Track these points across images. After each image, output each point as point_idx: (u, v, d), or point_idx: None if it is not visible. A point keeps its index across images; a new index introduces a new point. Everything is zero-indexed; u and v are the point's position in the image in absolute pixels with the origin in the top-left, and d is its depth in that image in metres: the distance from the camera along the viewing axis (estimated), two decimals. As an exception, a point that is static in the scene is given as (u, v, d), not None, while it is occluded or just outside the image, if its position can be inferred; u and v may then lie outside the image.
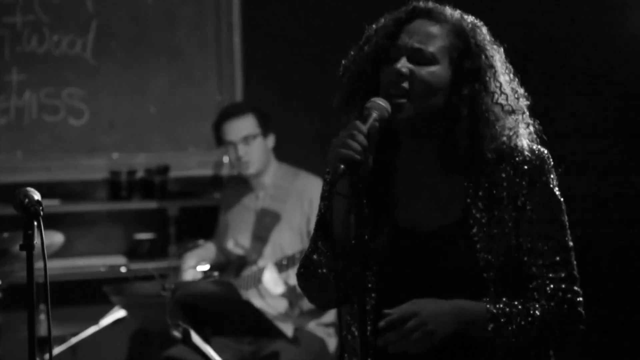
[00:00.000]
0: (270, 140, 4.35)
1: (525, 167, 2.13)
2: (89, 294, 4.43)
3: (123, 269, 4.73)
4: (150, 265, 4.48)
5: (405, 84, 2.08)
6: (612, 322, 4.26)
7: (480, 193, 2.13)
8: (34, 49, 5.05)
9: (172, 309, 3.46)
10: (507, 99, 2.12)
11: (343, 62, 2.21)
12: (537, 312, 2.07)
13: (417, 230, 2.15)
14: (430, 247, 2.12)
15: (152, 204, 5.10)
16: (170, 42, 5.20)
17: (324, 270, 2.14)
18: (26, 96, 5.05)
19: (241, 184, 4.47)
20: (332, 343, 4.19)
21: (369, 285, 2.13)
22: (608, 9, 4.83)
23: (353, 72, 2.17)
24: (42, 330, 3.88)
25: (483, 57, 2.11)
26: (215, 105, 5.16)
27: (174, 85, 5.21)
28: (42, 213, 2.05)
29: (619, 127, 4.80)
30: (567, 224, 2.15)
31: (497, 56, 2.14)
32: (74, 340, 4.06)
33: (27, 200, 2.05)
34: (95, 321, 4.08)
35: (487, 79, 2.10)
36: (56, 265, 4.74)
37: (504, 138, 2.11)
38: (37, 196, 2.07)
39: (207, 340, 3.47)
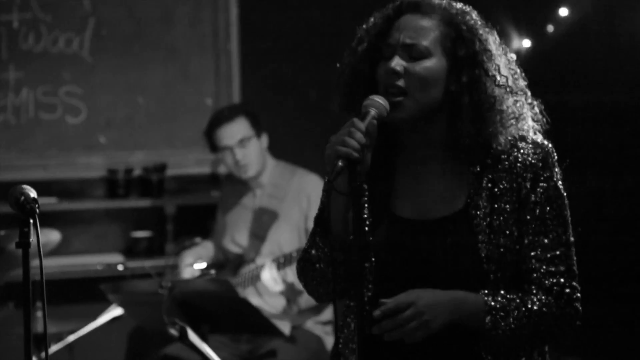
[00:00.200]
0: (264, 140, 4.34)
1: (529, 160, 2.13)
2: (86, 292, 4.43)
3: (120, 267, 4.73)
4: (147, 263, 4.48)
5: (401, 82, 2.08)
6: (607, 318, 4.26)
7: (483, 184, 2.12)
8: (31, 46, 5.05)
9: (169, 307, 3.46)
10: (507, 81, 2.12)
11: (338, 65, 2.21)
12: (535, 306, 2.07)
13: (419, 220, 2.15)
14: (431, 237, 2.12)
15: (149, 202, 5.10)
16: (167, 40, 5.20)
17: (322, 265, 2.14)
18: (23, 94, 5.05)
19: (239, 183, 4.46)
20: (329, 341, 4.19)
21: (367, 278, 2.13)
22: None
23: (349, 74, 2.17)
24: (38, 328, 3.88)
25: (477, 41, 2.10)
26: (212, 103, 5.16)
27: (171, 83, 5.20)
28: (38, 211, 2.04)
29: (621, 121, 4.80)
30: (569, 219, 2.15)
31: (491, 39, 2.14)
32: (71, 338, 4.05)
33: (23, 197, 2.05)
34: (93, 319, 4.07)
35: (485, 62, 2.10)
36: (53, 264, 4.74)
37: (511, 121, 2.11)
38: (33, 194, 2.07)
39: (204, 338, 3.47)
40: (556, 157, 2.17)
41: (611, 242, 4.56)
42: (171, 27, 5.20)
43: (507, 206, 2.11)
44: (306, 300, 4.06)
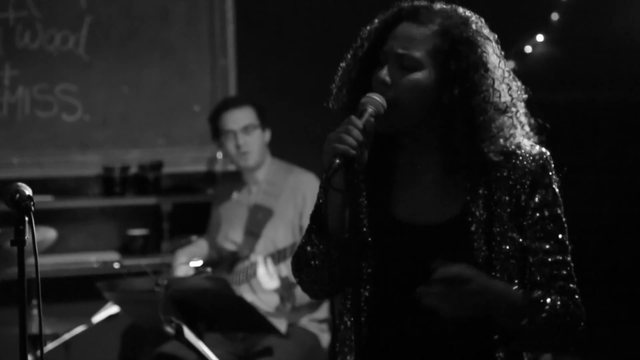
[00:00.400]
0: (267, 135, 4.36)
1: (528, 168, 2.12)
2: (82, 290, 4.42)
3: (116, 265, 4.73)
4: (143, 261, 4.48)
5: (390, 92, 2.07)
6: (605, 318, 4.27)
7: (480, 192, 2.12)
8: (26, 44, 5.04)
9: (165, 305, 3.46)
10: (500, 97, 2.09)
11: (341, 64, 2.20)
12: (557, 306, 2.07)
13: (416, 224, 2.15)
14: (427, 242, 2.13)
15: (145, 200, 5.10)
16: (164, 38, 5.19)
17: (317, 262, 2.14)
18: (19, 92, 5.04)
19: (234, 180, 4.46)
20: (325, 338, 4.19)
21: (364, 277, 2.13)
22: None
23: (349, 76, 2.17)
24: (34, 327, 3.87)
25: (472, 54, 2.07)
26: (208, 101, 5.16)
27: (167, 80, 5.20)
28: (33, 208, 2.04)
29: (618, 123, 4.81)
30: (566, 224, 2.15)
31: (490, 50, 2.11)
32: (66, 336, 4.05)
33: (18, 195, 2.05)
34: (88, 317, 4.07)
35: (477, 77, 2.07)
36: (49, 261, 4.74)
37: (501, 140, 2.10)
38: (28, 192, 2.07)
39: (200, 336, 3.47)
40: (553, 165, 2.16)
41: (609, 240, 4.57)
42: (167, 25, 5.20)
43: (505, 213, 2.11)
44: (301, 296, 4.06)
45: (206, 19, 5.23)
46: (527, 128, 2.16)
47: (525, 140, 2.15)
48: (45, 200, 4.91)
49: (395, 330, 2.13)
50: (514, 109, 2.13)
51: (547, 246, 2.11)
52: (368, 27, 2.18)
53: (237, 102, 4.37)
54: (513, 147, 2.12)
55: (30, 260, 2.05)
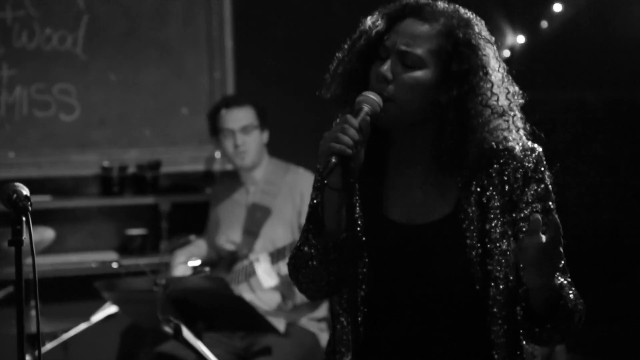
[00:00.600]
0: (265, 136, 4.35)
1: (520, 163, 2.12)
2: (81, 290, 4.42)
3: (115, 265, 4.73)
4: (141, 261, 4.48)
5: (389, 88, 2.07)
6: (604, 315, 4.27)
7: (472, 189, 2.12)
8: (24, 44, 5.04)
9: (164, 305, 3.46)
10: (497, 100, 2.09)
11: (337, 55, 2.20)
12: (575, 294, 2.07)
13: (409, 224, 2.14)
14: (421, 241, 2.13)
15: (143, 200, 5.10)
16: (161, 37, 5.19)
17: (314, 263, 2.14)
18: (17, 92, 5.04)
19: (232, 180, 4.46)
20: (324, 338, 4.19)
21: (360, 277, 2.13)
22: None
23: (346, 67, 2.16)
24: (32, 327, 3.87)
25: (473, 57, 2.07)
26: (206, 100, 5.15)
27: (165, 80, 5.20)
28: (30, 208, 2.04)
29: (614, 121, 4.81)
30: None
31: (491, 54, 2.11)
32: (65, 336, 4.05)
33: (15, 195, 2.04)
34: (87, 317, 4.07)
35: (477, 80, 2.07)
36: (47, 261, 4.74)
37: (493, 143, 2.09)
38: (25, 191, 2.06)
39: (198, 335, 3.47)
40: (544, 160, 2.16)
41: (605, 238, 4.57)
42: (165, 25, 5.20)
43: (498, 210, 2.11)
44: (302, 295, 4.05)
45: (204, 18, 5.23)
46: (521, 132, 2.16)
47: (517, 142, 2.14)
48: (43, 200, 4.91)
49: (392, 329, 2.13)
50: (510, 113, 2.12)
51: None
52: (368, 19, 2.17)
53: (239, 101, 4.37)
54: (505, 144, 2.12)
55: (28, 260, 2.05)
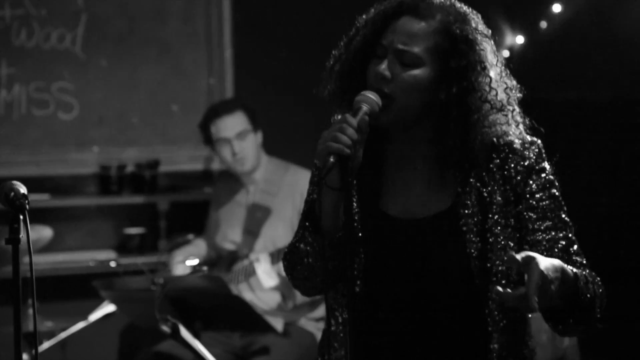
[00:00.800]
0: (259, 136, 4.34)
1: (519, 157, 2.13)
2: (79, 289, 4.42)
3: (113, 264, 4.73)
4: (140, 260, 4.48)
5: (388, 87, 2.06)
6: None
7: (472, 184, 2.12)
8: (23, 42, 5.03)
9: (162, 304, 3.46)
10: (496, 95, 2.09)
11: (333, 52, 2.19)
12: (598, 283, 2.06)
13: (407, 219, 2.14)
14: (419, 235, 2.13)
15: (142, 199, 5.10)
16: (160, 36, 5.19)
17: (310, 260, 2.13)
18: (15, 90, 5.03)
19: (232, 179, 4.46)
20: (322, 337, 4.19)
21: (356, 272, 2.12)
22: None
23: (342, 65, 2.16)
24: (30, 325, 3.87)
25: (471, 52, 2.07)
26: (205, 99, 5.15)
27: (163, 79, 5.19)
28: (28, 207, 2.03)
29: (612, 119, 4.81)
30: (565, 206, 2.15)
31: (489, 48, 2.11)
32: (63, 335, 4.05)
33: (12, 194, 2.04)
34: (85, 316, 4.07)
35: (475, 76, 2.07)
36: (45, 260, 4.74)
37: (494, 138, 2.09)
38: (23, 190, 2.06)
39: (196, 335, 3.47)
40: (544, 153, 2.16)
41: (606, 239, 4.57)
42: (164, 24, 5.19)
43: (499, 205, 2.11)
44: (301, 295, 4.05)
45: (203, 17, 5.22)
46: (521, 127, 2.16)
47: (517, 136, 2.14)
48: (41, 199, 4.91)
49: (389, 324, 2.13)
50: (509, 107, 2.13)
51: (550, 223, 2.11)
52: (364, 17, 2.16)
53: (229, 108, 4.32)
54: (504, 139, 2.12)
55: (26, 259, 2.05)
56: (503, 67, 2.14)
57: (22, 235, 2.02)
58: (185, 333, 3.26)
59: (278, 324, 3.98)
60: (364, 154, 2.07)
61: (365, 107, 2.03)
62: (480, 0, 2.34)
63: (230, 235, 4.32)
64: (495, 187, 2.12)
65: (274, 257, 4.07)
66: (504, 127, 2.11)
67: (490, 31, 2.15)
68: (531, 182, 2.12)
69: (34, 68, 5.05)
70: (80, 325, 4.05)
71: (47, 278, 4.52)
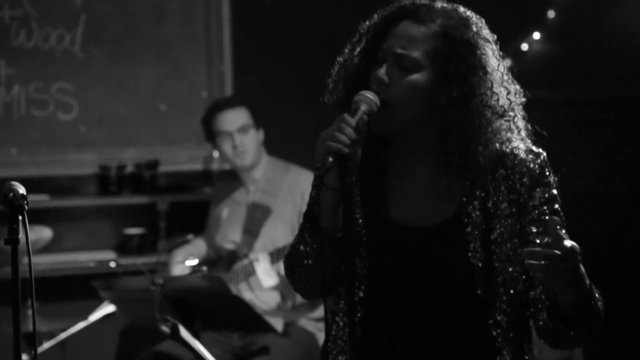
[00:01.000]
0: (261, 134, 4.35)
1: (525, 168, 2.12)
2: (78, 289, 4.42)
3: (112, 264, 4.73)
4: (139, 260, 4.47)
5: (387, 92, 2.06)
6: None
7: (477, 193, 2.11)
8: (22, 43, 5.03)
9: (161, 304, 3.46)
10: (497, 100, 2.08)
11: (338, 59, 2.19)
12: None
13: (410, 226, 2.14)
14: (421, 243, 2.12)
15: (141, 199, 5.09)
16: (160, 37, 5.18)
17: (310, 262, 2.13)
18: (14, 91, 5.03)
19: (232, 179, 4.46)
20: (322, 338, 4.16)
21: (359, 277, 2.12)
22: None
23: (347, 71, 2.16)
24: (29, 326, 3.87)
25: (472, 57, 2.06)
26: (204, 99, 5.15)
27: (163, 79, 5.19)
28: (26, 207, 2.03)
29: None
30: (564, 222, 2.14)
31: (490, 52, 2.09)
32: (63, 335, 4.05)
33: (11, 194, 2.04)
34: (85, 316, 4.07)
35: (476, 80, 2.06)
36: (45, 261, 4.74)
37: (497, 144, 2.08)
38: (22, 190, 2.06)
39: (196, 335, 3.47)
40: (549, 164, 2.15)
41: (606, 236, 4.56)
42: (163, 23, 5.19)
43: (503, 215, 2.10)
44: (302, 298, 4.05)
45: (202, 18, 5.22)
46: (523, 133, 2.15)
47: (521, 144, 2.13)
48: (41, 199, 4.90)
49: (390, 331, 2.12)
50: (511, 113, 2.11)
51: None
52: (367, 22, 2.16)
53: (231, 103, 4.36)
54: (509, 149, 2.11)
55: (26, 260, 2.05)
56: (506, 72, 2.12)
57: (21, 235, 2.02)
58: (185, 333, 3.26)
59: (278, 324, 3.98)
60: (368, 158, 2.07)
61: (363, 107, 2.02)
62: (486, 5, 2.33)
63: (230, 235, 4.31)
64: (500, 198, 2.11)
65: (274, 256, 4.07)
66: (508, 134, 2.10)
67: (494, 36, 2.13)
68: (535, 195, 2.11)
69: (33, 68, 5.04)
70: (80, 325, 4.04)
71: (47, 278, 4.53)
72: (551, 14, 4.92)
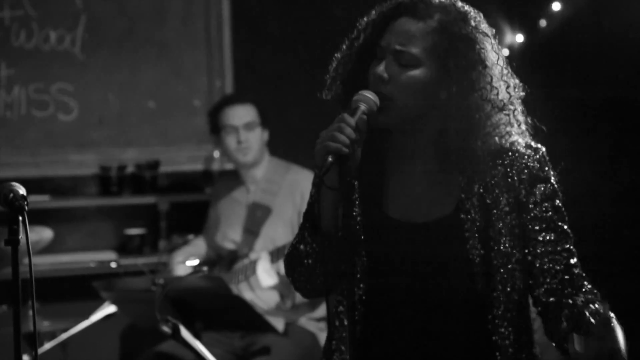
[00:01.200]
0: (266, 135, 4.36)
1: (525, 164, 2.12)
2: (79, 290, 4.41)
3: (113, 265, 4.73)
4: (140, 261, 4.48)
5: (387, 89, 2.06)
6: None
7: (475, 189, 2.11)
8: (22, 44, 5.03)
9: (162, 304, 3.46)
10: (497, 94, 2.08)
11: (336, 55, 2.19)
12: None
13: (408, 222, 2.14)
14: (420, 239, 2.12)
15: (142, 199, 5.10)
16: (160, 37, 5.19)
17: (310, 261, 2.13)
18: (15, 91, 5.03)
19: (232, 178, 4.46)
20: (323, 337, 4.16)
21: (358, 275, 2.12)
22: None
23: (345, 68, 2.16)
24: (30, 326, 3.87)
25: (471, 52, 2.06)
26: (205, 99, 5.15)
27: (163, 80, 5.19)
28: (27, 208, 2.03)
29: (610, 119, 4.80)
30: (567, 217, 2.15)
31: (489, 47, 2.09)
32: (64, 336, 4.04)
33: (11, 195, 2.04)
34: (86, 317, 4.06)
35: (475, 75, 2.06)
36: (46, 261, 4.74)
37: (496, 138, 2.08)
38: (22, 191, 2.06)
39: (197, 335, 3.47)
40: (548, 160, 2.16)
41: (605, 237, 4.56)
42: (163, 24, 5.20)
43: (503, 212, 2.10)
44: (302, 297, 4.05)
45: (202, 17, 5.22)
46: (523, 127, 2.15)
47: (520, 138, 2.14)
48: (42, 200, 4.91)
49: (390, 327, 2.13)
50: (511, 107, 2.11)
51: (552, 235, 2.10)
52: (365, 19, 2.16)
53: (240, 99, 4.39)
54: (508, 144, 2.11)
55: (26, 260, 2.05)
56: (505, 66, 2.12)
57: (22, 236, 2.02)
58: (185, 333, 3.26)
59: (279, 323, 3.98)
60: (367, 155, 2.07)
61: (363, 107, 2.03)
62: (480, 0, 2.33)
63: (230, 234, 4.32)
64: (499, 195, 2.11)
65: (274, 256, 4.07)
66: (507, 128, 2.10)
67: (493, 30, 2.14)
68: (535, 191, 2.11)
69: (33, 69, 5.05)
70: (81, 326, 4.04)
71: (48, 279, 4.52)
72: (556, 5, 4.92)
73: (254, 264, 4.10)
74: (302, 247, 2.14)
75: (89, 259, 4.90)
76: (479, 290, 2.08)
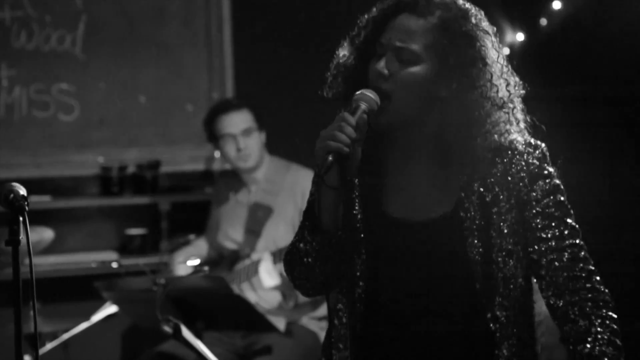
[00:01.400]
0: (263, 136, 4.36)
1: (525, 161, 2.11)
2: (80, 290, 4.42)
3: (114, 265, 4.73)
4: (141, 261, 4.48)
5: (387, 85, 2.06)
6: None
7: (475, 187, 2.11)
8: (23, 44, 5.03)
9: (163, 304, 3.46)
10: (497, 92, 2.08)
11: (336, 52, 2.19)
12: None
13: (408, 220, 2.14)
14: (420, 238, 2.12)
15: (143, 199, 5.09)
16: (160, 37, 5.19)
17: (310, 260, 2.12)
18: (16, 92, 5.03)
19: (233, 179, 4.46)
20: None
21: (358, 273, 2.12)
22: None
23: (345, 65, 2.16)
24: (31, 327, 3.87)
25: (471, 49, 2.06)
26: (205, 99, 5.15)
27: (164, 80, 5.19)
28: (27, 208, 2.03)
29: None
30: (571, 209, 2.14)
31: (489, 44, 2.09)
32: (65, 336, 4.05)
33: (12, 195, 2.04)
34: (87, 317, 4.07)
35: (475, 72, 2.06)
36: (47, 262, 4.74)
37: (495, 135, 2.08)
38: (22, 191, 2.06)
39: (198, 335, 3.47)
40: (548, 156, 2.15)
41: (607, 236, 4.56)
42: (164, 24, 5.20)
43: (503, 210, 2.09)
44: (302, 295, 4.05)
45: (202, 18, 5.22)
46: (522, 125, 2.15)
47: (519, 136, 2.13)
48: (42, 200, 4.91)
49: (390, 326, 2.13)
50: (510, 105, 2.11)
51: (556, 231, 2.09)
52: (366, 16, 2.16)
53: (235, 105, 4.35)
54: (508, 142, 2.11)
55: (27, 261, 2.05)
56: (505, 64, 2.12)
57: (22, 236, 2.02)
58: (187, 333, 3.26)
59: (280, 323, 3.98)
60: (367, 154, 2.07)
61: (363, 106, 2.03)
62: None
63: (232, 234, 4.32)
64: (499, 193, 2.10)
65: (276, 256, 4.07)
66: (506, 126, 2.10)
67: (494, 28, 2.14)
68: (536, 188, 2.11)
69: (34, 70, 5.05)
70: (83, 326, 4.05)
71: (49, 279, 4.53)
72: (557, 4, 4.92)
73: (256, 264, 4.10)
74: (301, 245, 2.14)
75: (90, 259, 4.89)
76: (478, 289, 2.08)
